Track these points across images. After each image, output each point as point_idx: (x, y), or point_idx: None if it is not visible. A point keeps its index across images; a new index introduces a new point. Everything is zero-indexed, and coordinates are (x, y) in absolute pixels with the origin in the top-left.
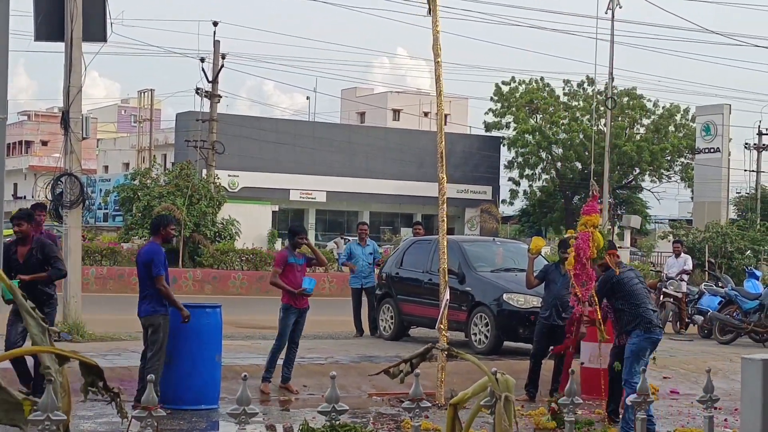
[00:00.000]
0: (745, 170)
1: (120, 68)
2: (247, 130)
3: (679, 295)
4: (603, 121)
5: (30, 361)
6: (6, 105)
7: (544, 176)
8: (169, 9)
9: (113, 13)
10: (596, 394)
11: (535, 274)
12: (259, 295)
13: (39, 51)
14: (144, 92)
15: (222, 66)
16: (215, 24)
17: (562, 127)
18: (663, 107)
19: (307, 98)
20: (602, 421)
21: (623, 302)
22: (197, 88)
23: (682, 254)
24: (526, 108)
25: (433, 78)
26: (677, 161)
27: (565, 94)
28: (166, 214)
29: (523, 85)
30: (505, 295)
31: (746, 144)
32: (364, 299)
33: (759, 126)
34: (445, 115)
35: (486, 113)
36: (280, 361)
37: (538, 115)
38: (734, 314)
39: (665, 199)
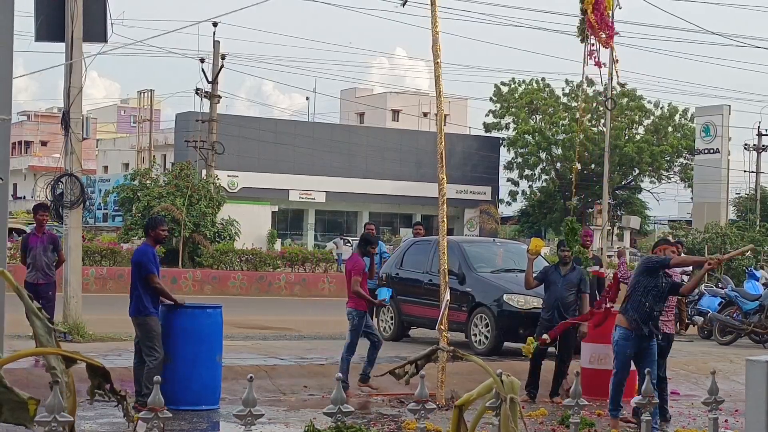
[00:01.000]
0: (745, 171)
1: (120, 68)
2: (246, 131)
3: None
4: (603, 121)
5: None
6: (10, 106)
7: (543, 177)
8: (169, 9)
9: (113, 13)
10: (596, 395)
11: (534, 275)
12: (259, 295)
13: (39, 51)
14: (144, 92)
15: (222, 66)
16: (215, 24)
17: (562, 128)
18: (662, 107)
19: (307, 99)
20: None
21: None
22: (197, 89)
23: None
24: (526, 108)
25: (433, 78)
26: (676, 162)
27: (565, 95)
28: (157, 215)
29: (523, 86)
30: (505, 296)
31: (746, 145)
32: None
33: (759, 127)
34: (445, 116)
35: (486, 115)
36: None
37: (537, 116)
38: (734, 315)
39: (665, 199)
